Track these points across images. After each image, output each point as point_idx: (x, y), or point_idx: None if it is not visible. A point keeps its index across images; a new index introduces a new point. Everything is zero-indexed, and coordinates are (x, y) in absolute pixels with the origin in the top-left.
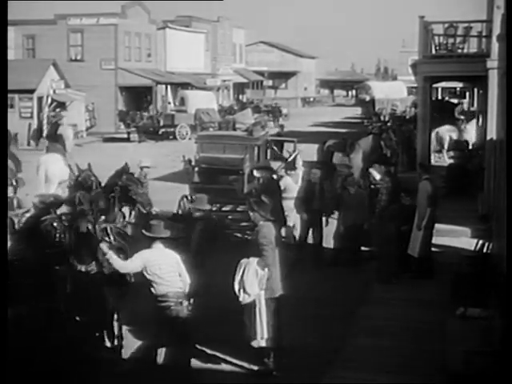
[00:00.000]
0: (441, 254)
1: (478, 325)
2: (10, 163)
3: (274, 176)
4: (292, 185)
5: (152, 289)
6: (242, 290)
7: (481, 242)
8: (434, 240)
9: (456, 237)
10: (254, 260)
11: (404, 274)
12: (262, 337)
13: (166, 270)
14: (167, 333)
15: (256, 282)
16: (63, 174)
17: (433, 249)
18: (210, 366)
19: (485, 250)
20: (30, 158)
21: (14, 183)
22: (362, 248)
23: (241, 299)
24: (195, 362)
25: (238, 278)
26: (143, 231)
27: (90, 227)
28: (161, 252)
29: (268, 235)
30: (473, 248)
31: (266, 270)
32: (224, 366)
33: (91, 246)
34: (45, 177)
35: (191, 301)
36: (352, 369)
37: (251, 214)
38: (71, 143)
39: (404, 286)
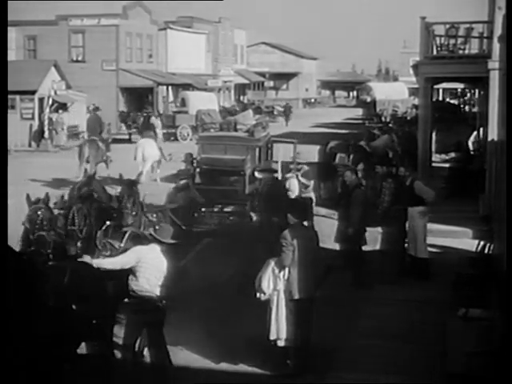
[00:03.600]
0: (442, 255)
1: (480, 326)
2: (101, 144)
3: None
4: (296, 185)
5: (131, 286)
6: (258, 287)
7: (482, 243)
8: (436, 241)
9: (457, 238)
10: (273, 259)
11: (405, 275)
12: (279, 337)
13: (154, 276)
14: (142, 334)
15: (271, 281)
16: (155, 154)
17: (434, 250)
18: (225, 365)
19: (486, 251)
20: (31, 159)
21: (105, 158)
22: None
23: (257, 296)
24: (207, 362)
25: (258, 275)
26: (151, 232)
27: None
28: (157, 254)
29: (288, 237)
30: (474, 249)
31: (286, 270)
32: (239, 367)
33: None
34: (142, 156)
35: (163, 302)
36: (353, 369)
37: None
38: (160, 131)
39: (405, 287)
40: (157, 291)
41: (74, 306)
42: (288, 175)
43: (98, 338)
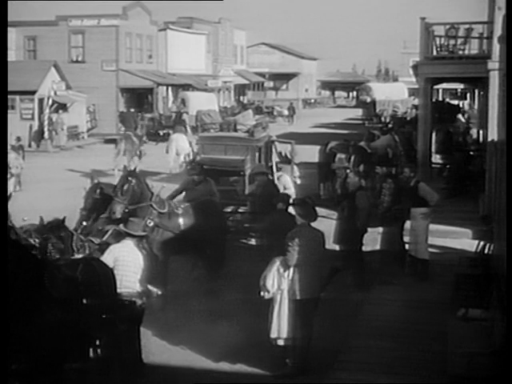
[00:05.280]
0: (442, 256)
1: (479, 326)
2: (135, 139)
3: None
4: (290, 182)
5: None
6: (263, 286)
7: (482, 243)
8: (436, 241)
9: (457, 238)
10: (279, 258)
11: (405, 275)
12: (279, 336)
13: (132, 271)
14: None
15: (275, 279)
16: (187, 148)
17: (434, 250)
18: (225, 365)
19: (486, 252)
20: (31, 159)
21: (138, 153)
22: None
23: (262, 294)
24: (207, 362)
25: (263, 273)
26: (121, 226)
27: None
28: (132, 250)
29: (294, 236)
30: (474, 249)
31: (291, 270)
32: (239, 367)
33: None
34: (175, 150)
35: (144, 299)
36: (353, 370)
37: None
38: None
39: (405, 287)
40: (136, 287)
41: (84, 301)
42: (279, 173)
43: (106, 333)
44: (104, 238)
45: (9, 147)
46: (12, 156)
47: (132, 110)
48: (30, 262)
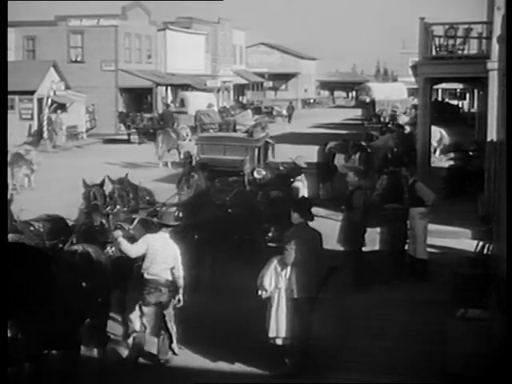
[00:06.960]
0: (441, 256)
1: (479, 326)
2: (173, 134)
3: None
4: (300, 188)
5: (143, 272)
6: (260, 285)
7: (481, 243)
8: (435, 241)
9: (456, 238)
10: (276, 257)
11: (405, 275)
12: (278, 335)
13: (160, 261)
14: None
15: (273, 278)
16: None
17: (433, 250)
18: (224, 365)
19: (485, 252)
20: None
21: (176, 146)
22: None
23: (259, 293)
24: (207, 362)
25: (261, 272)
26: (154, 218)
27: (103, 221)
28: (164, 241)
29: (291, 235)
30: (473, 249)
31: (289, 269)
32: (238, 366)
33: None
34: None
35: (170, 288)
36: (352, 370)
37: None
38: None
39: (404, 287)
40: (165, 275)
41: (83, 284)
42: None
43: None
44: (132, 226)
45: (26, 145)
46: (33, 153)
47: (170, 108)
48: (37, 256)
